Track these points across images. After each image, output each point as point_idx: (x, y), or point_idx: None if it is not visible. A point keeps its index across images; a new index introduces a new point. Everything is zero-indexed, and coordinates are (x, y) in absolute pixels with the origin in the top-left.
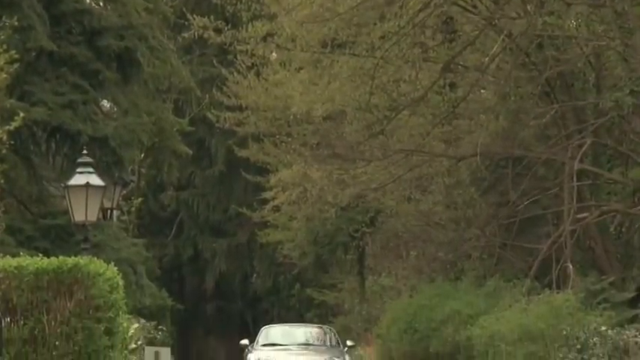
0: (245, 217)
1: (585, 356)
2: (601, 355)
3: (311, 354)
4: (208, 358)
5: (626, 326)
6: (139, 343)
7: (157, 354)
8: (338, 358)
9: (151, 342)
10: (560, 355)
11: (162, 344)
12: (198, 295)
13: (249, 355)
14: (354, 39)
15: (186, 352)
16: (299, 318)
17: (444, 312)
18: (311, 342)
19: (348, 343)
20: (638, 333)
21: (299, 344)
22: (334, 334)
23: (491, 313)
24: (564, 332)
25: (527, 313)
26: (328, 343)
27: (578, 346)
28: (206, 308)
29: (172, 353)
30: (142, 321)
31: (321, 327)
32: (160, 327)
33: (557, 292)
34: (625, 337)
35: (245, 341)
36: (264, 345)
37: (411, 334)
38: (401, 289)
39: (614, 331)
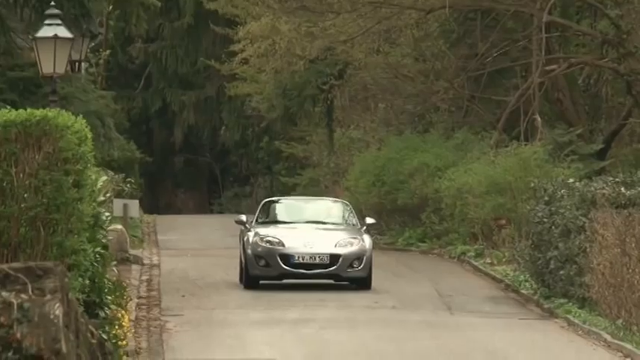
0: (213, 69)
1: (553, 208)
2: (568, 207)
3: (323, 234)
4: (176, 210)
5: (593, 178)
6: (108, 195)
7: (125, 206)
8: (356, 238)
9: (119, 194)
10: (528, 207)
11: (131, 196)
12: (167, 147)
13: (248, 234)
14: None
15: (155, 205)
16: (267, 170)
17: (412, 164)
18: (323, 219)
19: (368, 220)
20: (605, 184)
21: (308, 222)
22: (351, 211)
23: (459, 166)
24: (532, 184)
25: (495, 165)
26: (344, 221)
27: (546, 198)
28: (174, 161)
29: (140, 205)
30: (111, 173)
31: (335, 201)
32: (128, 179)
33: (525, 145)
34: (592, 189)
35: (242, 217)
36: (265, 223)
37: (380, 186)
38: (369, 141)
39: (582, 183)
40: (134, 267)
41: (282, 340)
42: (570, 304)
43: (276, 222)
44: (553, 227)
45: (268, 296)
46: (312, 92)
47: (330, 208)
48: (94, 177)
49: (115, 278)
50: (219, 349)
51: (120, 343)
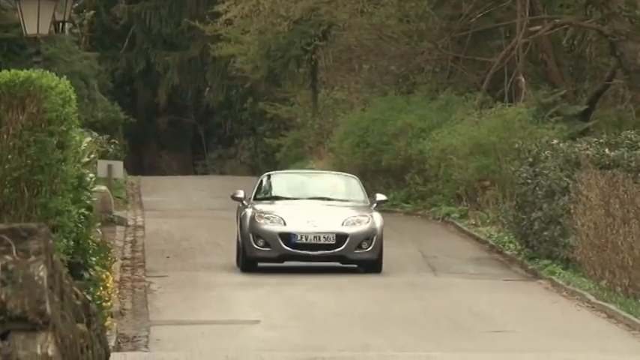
0: (198, 30)
1: (537, 169)
2: (552, 167)
3: (329, 211)
4: (160, 171)
5: (577, 139)
6: (92, 156)
7: (109, 167)
8: (365, 216)
9: (103, 155)
10: (512, 168)
11: (115, 158)
12: (151, 108)
13: (246, 211)
14: None
15: (139, 166)
16: (251, 132)
17: (397, 125)
18: (328, 195)
19: (379, 197)
20: (589, 145)
21: (312, 198)
22: (360, 186)
23: (443, 127)
24: (516, 145)
25: (479, 126)
26: (352, 198)
27: (530, 159)
28: (158, 122)
29: (124, 166)
30: (95, 134)
31: (342, 175)
32: (112, 140)
33: (509, 105)
34: (576, 149)
35: (239, 192)
36: (264, 199)
37: (364, 147)
38: (353, 102)
39: (566, 143)
40: (118, 228)
41: (267, 301)
42: (554, 265)
43: (276, 198)
44: (537, 188)
45: None
46: (296, 53)
47: (336, 183)
48: (78, 138)
49: (99, 239)
50: (204, 310)
51: (104, 304)
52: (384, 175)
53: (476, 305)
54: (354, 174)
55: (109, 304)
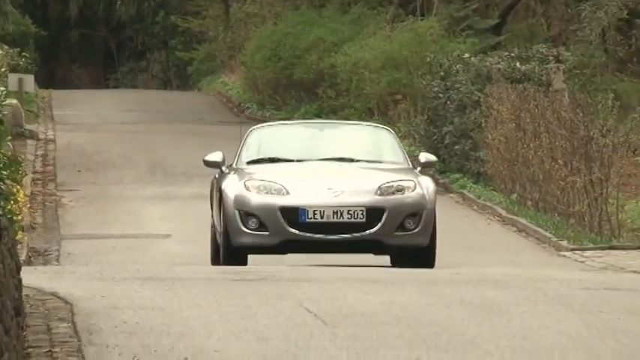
0: None
1: (448, 83)
2: (464, 81)
3: (355, 175)
4: (72, 85)
5: (489, 53)
6: (3, 69)
7: (20, 80)
8: (410, 181)
9: (14, 69)
10: (424, 82)
11: (26, 71)
12: (62, 21)
13: (227, 180)
14: None
15: (50, 79)
16: (163, 45)
17: (309, 39)
18: (350, 155)
19: (424, 157)
20: (500, 59)
21: (327, 159)
22: (396, 141)
23: (355, 41)
24: (428, 59)
25: (391, 40)
26: (386, 158)
27: (442, 73)
28: (70, 35)
29: (36, 80)
30: (5, 47)
31: (371, 127)
32: (23, 54)
33: (421, 19)
34: (488, 63)
35: (215, 155)
36: (256, 161)
37: (276, 61)
38: (266, 16)
39: (477, 57)
40: (29, 142)
41: (179, 215)
42: (465, 178)
43: (274, 160)
44: (448, 102)
45: (162, 170)
46: None
47: (361, 136)
48: None
49: (9, 153)
50: (115, 224)
51: (15, 218)
52: (296, 88)
53: None
54: (266, 88)
55: (19, 218)
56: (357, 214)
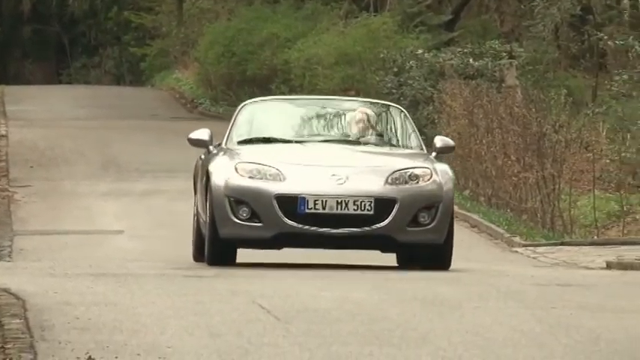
0: None
1: (402, 79)
2: (417, 77)
3: (362, 160)
4: (25, 80)
5: (442, 49)
6: None
7: None
8: (425, 169)
9: None
10: (377, 78)
11: None
12: (15, 16)
13: (215, 163)
14: None
15: (3, 75)
16: (116, 41)
17: (262, 35)
18: (357, 137)
19: (440, 141)
20: (453, 55)
21: (329, 140)
22: (410, 123)
23: (308, 36)
24: (381, 55)
25: (344, 36)
26: (398, 141)
27: (395, 69)
28: (22, 31)
29: None
30: None
31: (381, 105)
32: None
33: (375, 15)
34: (441, 59)
35: (202, 133)
36: (248, 141)
37: (229, 57)
38: (219, 11)
39: (431, 53)
40: None
41: (131, 211)
42: None
43: (269, 140)
44: (402, 98)
45: (116, 166)
46: None
47: (370, 116)
48: None
49: None
50: (68, 220)
51: None
52: (250, 84)
53: None
54: (220, 84)
55: None
56: (365, 206)
